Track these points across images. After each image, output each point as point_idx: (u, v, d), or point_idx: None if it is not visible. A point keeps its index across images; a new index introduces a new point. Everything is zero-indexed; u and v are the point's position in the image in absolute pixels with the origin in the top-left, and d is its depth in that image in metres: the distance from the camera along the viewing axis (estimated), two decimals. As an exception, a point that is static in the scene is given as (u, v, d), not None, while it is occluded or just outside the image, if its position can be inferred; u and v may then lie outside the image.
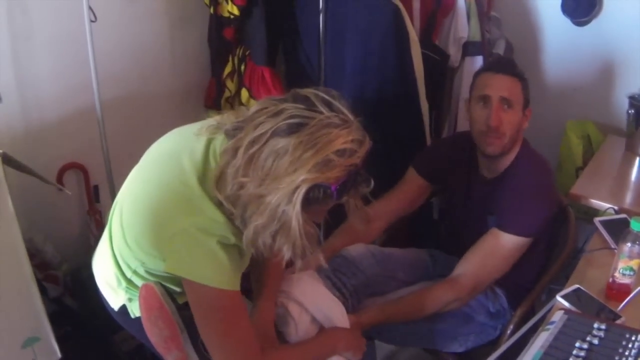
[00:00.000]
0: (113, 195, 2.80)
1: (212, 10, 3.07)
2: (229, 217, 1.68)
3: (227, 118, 1.77)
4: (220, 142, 1.72)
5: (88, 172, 2.86)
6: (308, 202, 1.57)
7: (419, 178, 2.62)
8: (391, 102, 2.61)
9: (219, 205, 1.67)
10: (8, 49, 2.51)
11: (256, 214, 1.59)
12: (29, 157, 2.32)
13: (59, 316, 2.57)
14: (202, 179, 1.69)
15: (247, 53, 3.12)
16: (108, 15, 2.71)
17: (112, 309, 2.02)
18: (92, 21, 2.56)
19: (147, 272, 1.85)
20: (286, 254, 1.64)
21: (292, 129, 1.54)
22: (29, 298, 2.18)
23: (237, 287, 1.71)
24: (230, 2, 2.98)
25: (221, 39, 3.14)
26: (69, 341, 2.49)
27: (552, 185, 2.42)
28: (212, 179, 1.67)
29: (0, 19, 2.45)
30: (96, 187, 2.91)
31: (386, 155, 2.66)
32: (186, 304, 1.84)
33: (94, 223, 2.90)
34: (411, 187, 2.62)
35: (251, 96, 3.11)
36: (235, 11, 2.99)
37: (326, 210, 1.74)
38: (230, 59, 3.16)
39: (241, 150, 1.59)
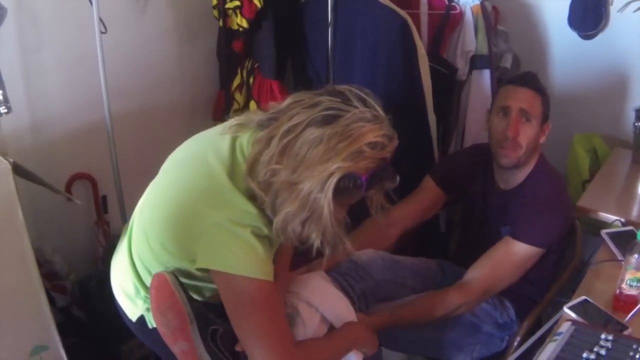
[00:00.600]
0: (121, 206, 2.81)
1: (221, 23, 3.09)
2: (261, 208, 1.69)
3: (250, 115, 1.80)
4: (247, 138, 1.74)
5: (97, 183, 2.87)
6: (338, 191, 1.60)
7: (436, 187, 2.64)
8: (399, 115, 2.61)
9: (250, 197, 1.69)
10: (18, 61, 2.53)
11: (288, 201, 1.61)
12: (38, 168, 2.33)
13: (66, 326, 2.57)
14: (231, 174, 1.71)
15: (255, 66, 3.13)
16: (118, 28, 2.72)
17: (130, 321, 2.01)
18: (102, 32, 2.58)
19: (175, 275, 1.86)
20: (315, 241, 1.66)
21: (328, 120, 1.59)
22: (37, 306, 2.18)
23: (272, 278, 1.71)
24: (239, 15, 3.00)
25: (230, 51, 3.16)
26: (76, 351, 2.49)
27: (567, 199, 2.44)
28: (244, 169, 1.69)
29: (10, 32, 2.47)
30: (104, 198, 2.92)
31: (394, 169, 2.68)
32: (197, 300, 1.86)
33: (102, 233, 2.91)
34: (427, 196, 2.64)
35: (259, 109, 3.12)
36: (245, 24, 3.01)
37: (351, 203, 1.76)
38: (239, 71, 3.17)
39: (276, 139, 1.62)
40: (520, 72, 3.27)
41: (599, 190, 3.11)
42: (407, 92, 2.88)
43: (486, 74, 3.25)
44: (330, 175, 1.56)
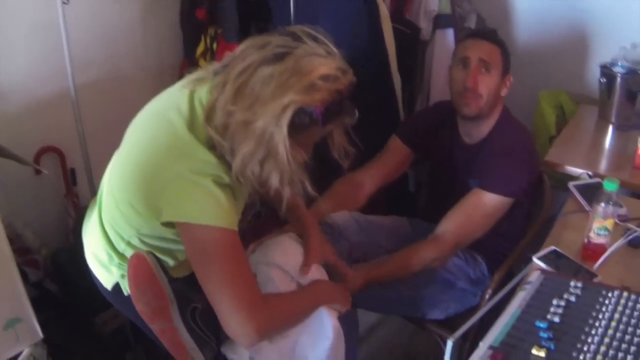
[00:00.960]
0: (90, 178, 2.80)
1: (183, -9, 3.07)
2: (221, 157, 1.69)
3: (208, 67, 1.80)
4: (205, 91, 1.73)
5: (65, 156, 2.85)
6: (294, 128, 1.60)
7: (403, 145, 2.66)
8: (363, 77, 2.61)
9: (211, 147, 1.69)
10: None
11: (244, 141, 1.61)
12: (5, 142, 2.30)
13: (40, 300, 2.56)
14: (191, 125, 1.70)
15: (219, 32, 3.12)
16: (80, -1, 2.69)
17: (105, 289, 2.01)
18: (64, 3, 2.54)
19: (141, 241, 1.86)
20: (274, 182, 1.66)
21: (278, 57, 1.59)
22: (9, 280, 2.16)
23: (236, 227, 1.71)
24: (202, -18, 2.99)
25: (193, 19, 3.14)
26: (51, 325, 2.48)
27: (534, 150, 2.47)
28: (202, 117, 1.69)
29: (-30, 2, 2.43)
30: (73, 171, 2.90)
31: (359, 129, 2.68)
32: (177, 279, 1.85)
33: (72, 206, 2.90)
34: (394, 155, 2.66)
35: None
36: (207, -9, 3.00)
37: (313, 142, 1.76)
38: (203, 38, 3.16)
39: (230, 82, 1.62)
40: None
41: (566, 145, 3.14)
42: (370, 54, 2.88)
43: (449, 33, 3.26)
44: (284, 109, 1.56)
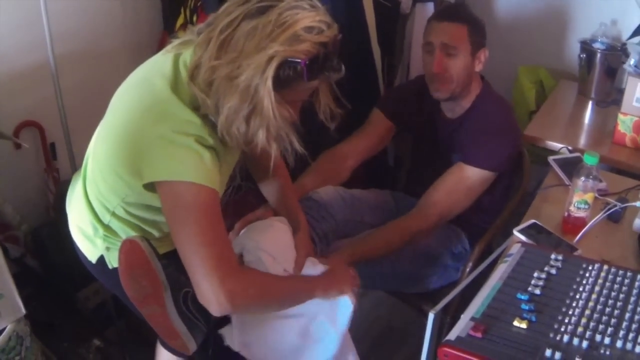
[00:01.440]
0: (70, 152, 2.77)
1: (163, -37, 3.04)
2: (205, 118, 1.68)
3: (192, 29, 1.79)
4: (189, 53, 1.72)
5: (44, 130, 2.83)
6: (279, 82, 1.59)
7: (385, 120, 2.66)
8: (343, 49, 2.61)
9: (194, 108, 1.67)
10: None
11: (229, 95, 1.60)
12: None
13: (21, 277, 2.54)
14: (175, 87, 1.69)
15: (198, 4, 3.09)
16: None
17: (90, 263, 1.99)
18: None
19: (126, 212, 1.85)
20: (261, 138, 1.65)
21: (262, 11, 1.57)
22: (-10, 255, 2.16)
23: (217, 188, 1.68)
24: (181, -46, 2.96)
25: (173, -9, 3.12)
26: (32, 301, 2.47)
27: (515, 124, 2.48)
28: (186, 77, 1.68)
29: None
30: (53, 145, 2.87)
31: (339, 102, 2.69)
32: (165, 255, 1.83)
33: (52, 181, 2.87)
34: (377, 128, 2.66)
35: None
36: (186, -38, 2.97)
37: (300, 100, 1.75)
38: (182, 11, 3.13)
39: (213, 39, 1.61)
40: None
41: (546, 119, 3.17)
42: (350, 26, 2.86)
43: (429, 6, 3.25)
44: (269, 61, 1.55)
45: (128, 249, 1.72)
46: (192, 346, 1.82)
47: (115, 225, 1.89)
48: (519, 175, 2.58)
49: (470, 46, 2.38)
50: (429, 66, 2.40)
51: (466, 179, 2.34)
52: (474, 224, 2.53)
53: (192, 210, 1.64)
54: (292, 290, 1.91)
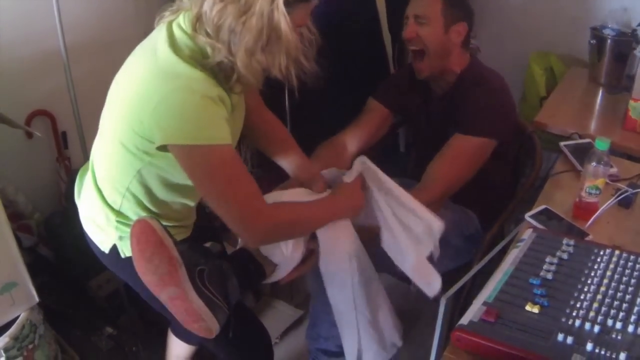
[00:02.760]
0: (82, 141, 2.79)
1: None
2: (208, 71, 1.70)
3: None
4: (181, 17, 1.75)
5: (56, 119, 2.84)
6: (288, 4, 1.62)
7: (380, 107, 2.67)
8: (354, 35, 2.62)
9: (196, 64, 1.69)
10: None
11: (243, 32, 1.62)
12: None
13: (34, 266, 2.56)
14: (173, 46, 1.71)
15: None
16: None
17: (102, 253, 2.00)
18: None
19: (139, 190, 1.87)
20: (283, 64, 1.69)
21: None
22: (4, 244, 2.17)
23: (230, 140, 1.72)
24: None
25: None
26: (46, 290, 2.49)
27: (504, 90, 2.47)
28: (185, 38, 1.71)
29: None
30: (64, 134, 2.89)
31: (351, 88, 2.70)
32: (180, 241, 1.84)
33: (64, 170, 2.89)
34: (373, 116, 2.66)
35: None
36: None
37: (308, 12, 1.77)
38: (194, 0, 3.14)
39: None
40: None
41: (557, 106, 3.16)
42: (361, 12, 2.86)
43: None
44: None
45: (138, 229, 1.74)
46: (214, 327, 1.82)
47: (127, 208, 1.90)
48: (531, 161, 2.58)
49: (442, 18, 2.41)
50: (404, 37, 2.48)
51: (465, 149, 2.35)
52: (483, 204, 2.54)
53: (212, 170, 1.71)
54: (318, 219, 2.01)
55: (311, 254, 2.11)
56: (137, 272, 1.77)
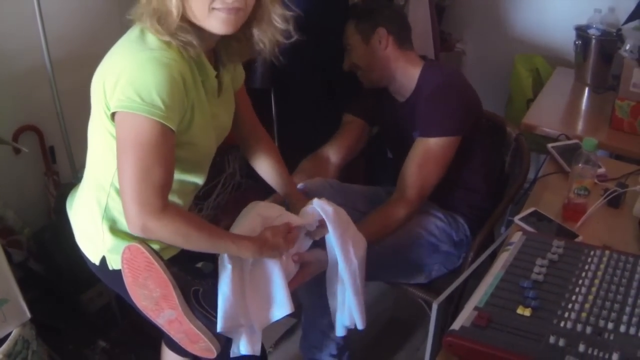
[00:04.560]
0: (70, 155, 2.77)
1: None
2: (177, 45, 1.70)
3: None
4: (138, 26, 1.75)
5: (43, 134, 2.84)
6: None
7: (355, 119, 2.73)
8: (335, 40, 2.63)
9: (165, 42, 1.69)
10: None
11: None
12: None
13: (25, 281, 2.55)
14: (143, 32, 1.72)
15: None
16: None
17: (93, 264, 1.98)
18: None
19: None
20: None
21: None
22: (-7, 260, 2.17)
23: (172, 125, 1.67)
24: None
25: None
26: (37, 305, 2.47)
27: (459, 84, 2.49)
28: (156, 41, 1.69)
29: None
30: (52, 148, 2.88)
31: (327, 96, 2.74)
32: (171, 264, 1.80)
33: (52, 184, 2.88)
34: (351, 129, 2.72)
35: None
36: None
37: None
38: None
39: None
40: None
41: (543, 107, 3.18)
42: (341, 19, 2.86)
43: (424, -1, 3.26)
44: None
45: (128, 255, 1.72)
46: (215, 345, 1.81)
47: (112, 207, 1.89)
48: (518, 163, 2.59)
49: (359, 35, 2.50)
50: None
51: (429, 151, 2.36)
52: (469, 208, 2.56)
53: (136, 142, 1.64)
54: (207, 242, 1.84)
55: (307, 266, 2.11)
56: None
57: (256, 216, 2.02)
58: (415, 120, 2.43)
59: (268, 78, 2.82)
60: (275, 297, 1.95)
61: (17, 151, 2.76)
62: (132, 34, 1.75)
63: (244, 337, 1.93)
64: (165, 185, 1.71)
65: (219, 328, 1.83)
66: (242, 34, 1.83)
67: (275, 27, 1.82)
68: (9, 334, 2.26)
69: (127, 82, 1.63)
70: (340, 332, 2.23)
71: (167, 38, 1.67)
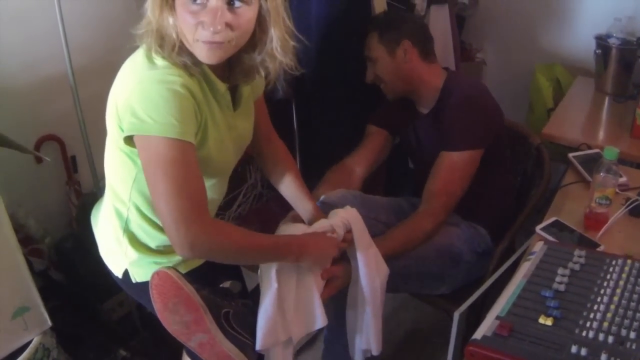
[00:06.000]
0: (91, 164, 2.79)
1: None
2: (178, 60, 1.70)
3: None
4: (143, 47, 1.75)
5: (64, 144, 2.85)
6: None
7: (378, 129, 2.73)
8: (356, 51, 2.63)
9: (170, 61, 1.69)
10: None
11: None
12: (4, 132, 2.30)
13: (46, 290, 2.56)
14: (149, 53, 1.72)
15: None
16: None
17: (117, 277, 2.00)
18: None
19: (141, 196, 1.86)
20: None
21: None
22: (16, 268, 2.17)
23: (190, 138, 1.67)
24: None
25: None
26: (58, 314, 2.48)
27: (483, 98, 2.47)
28: (162, 60, 1.70)
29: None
30: (73, 158, 2.90)
31: (349, 107, 2.74)
32: (202, 288, 1.79)
33: (74, 193, 2.90)
34: (374, 140, 2.72)
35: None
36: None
37: None
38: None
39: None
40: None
41: (564, 117, 3.16)
42: (364, 30, 2.87)
43: (444, 9, 3.24)
44: None
45: (157, 281, 1.71)
46: None
47: (132, 221, 1.91)
48: (539, 173, 2.58)
49: (384, 47, 2.51)
50: None
51: (454, 165, 2.36)
52: (490, 218, 2.56)
53: (162, 163, 1.64)
54: (259, 253, 1.88)
55: (334, 279, 2.10)
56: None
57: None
58: (438, 133, 2.43)
59: (290, 89, 2.82)
60: (313, 309, 1.98)
61: (39, 160, 2.78)
62: (138, 52, 1.76)
63: (277, 353, 1.94)
64: (202, 198, 1.72)
65: (258, 346, 1.86)
66: (246, 57, 1.80)
67: (278, 58, 1.79)
68: (30, 342, 2.27)
69: (136, 104, 1.63)
70: (358, 357, 2.25)
71: (168, 59, 1.69)
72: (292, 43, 1.80)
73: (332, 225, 2.06)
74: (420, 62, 2.51)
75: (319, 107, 2.94)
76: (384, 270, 2.14)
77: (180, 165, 1.64)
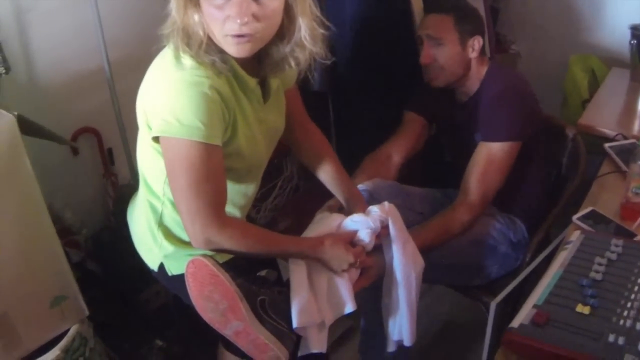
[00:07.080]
0: (128, 156, 2.82)
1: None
2: (209, 61, 1.71)
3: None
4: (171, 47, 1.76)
5: (101, 136, 2.88)
6: None
7: (416, 116, 2.70)
8: (390, 43, 2.63)
9: (198, 60, 1.71)
10: (13, 21, 2.49)
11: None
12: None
13: (82, 281, 2.58)
14: (177, 53, 1.73)
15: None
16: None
17: (153, 270, 2.04)
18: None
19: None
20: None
21: None
22: (54, 257, 2.19)
23: (216, 141, 1.69)
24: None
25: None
26: (95, 305, 2.51)
27: (525, 91, 2.46)
28: (189, 58, 1.71)
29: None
30: (110, 150, 2.93)
31: (385, 99, 2.72)
32: (238, 276, 1.81)
33: (111, 186, 2.93)
34: (412, 127, 2.70)
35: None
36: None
37: None
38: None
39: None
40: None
41: (599, 107, 3.14)
42: (399, 20, 2.86)
43: (479, 1, 3.23)
44: None
45: (193, 268, 1.73)
46: (284, 354, 1.82)
47: (167, 215, 1.94)
48: (575, 164, 2.57)
49: (458, 35, 2.43)
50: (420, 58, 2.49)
51: (493, 156, 2.35)
52: (527, 209, 2.55)
53: (185, 164, 1.68)
54: (273, 255, 1.97)
55: (368, 270, 2.10)
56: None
57: (325, 229, 2.07)
58: (476, 122, 2.43)
59: (326, 81, 2.82)
60: (342, 294, 1.97)
61: (76, 152, 2.80)
62: (166, 51, 1.78)
63: (313, 335, 1.94)
64: (219, 200, 1.75)
65: (295, 324, 1.86)
66: (274, 49, 1.81)
67: (307, 47, 1.79)
68: (67, 330, 2.30)
69: (163, 106, 1.67)
70: (390, 347, 2.23)
71: (197, 58, 1.70)
72: (320, 31, 1.80)
73: (358, 233, 2.05)
74: (478, 57, 2.48)
75: (356, 100, 2.94)
76: (420, 263, 2.14)
77: (202, 167, 1.68)
